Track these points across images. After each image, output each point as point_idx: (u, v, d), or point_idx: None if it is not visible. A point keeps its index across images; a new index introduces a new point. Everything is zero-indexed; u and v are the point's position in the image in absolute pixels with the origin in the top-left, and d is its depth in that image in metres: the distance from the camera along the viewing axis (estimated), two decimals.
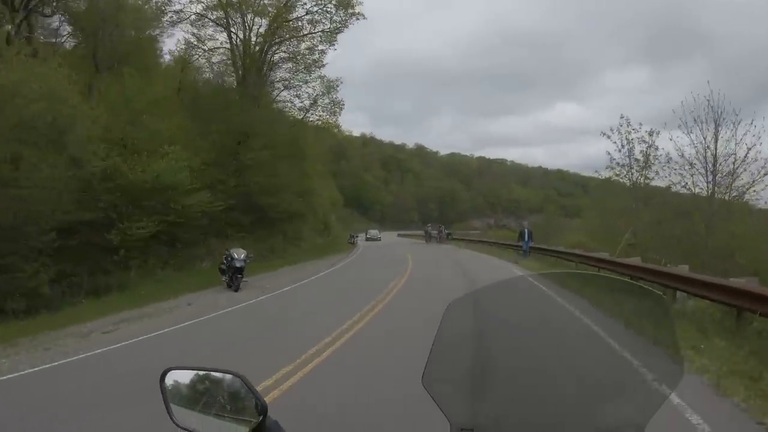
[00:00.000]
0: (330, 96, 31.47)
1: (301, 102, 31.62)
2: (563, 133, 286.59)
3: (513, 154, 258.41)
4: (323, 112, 31.75)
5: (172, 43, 49.59)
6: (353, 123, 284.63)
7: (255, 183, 25.72)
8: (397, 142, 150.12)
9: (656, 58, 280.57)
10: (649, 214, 22.91)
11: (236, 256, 15.71)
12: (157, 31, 27.24)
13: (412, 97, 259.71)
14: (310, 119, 32.44)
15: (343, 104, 31.68)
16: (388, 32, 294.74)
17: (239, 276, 15.58)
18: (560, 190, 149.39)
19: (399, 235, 74.98)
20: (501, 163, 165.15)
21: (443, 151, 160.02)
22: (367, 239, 57.13)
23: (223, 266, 16.33)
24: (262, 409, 1.31)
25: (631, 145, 23.46)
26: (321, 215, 44.86)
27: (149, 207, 17.95)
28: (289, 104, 32.38)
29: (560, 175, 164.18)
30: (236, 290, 15.26)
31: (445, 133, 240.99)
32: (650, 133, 23.10)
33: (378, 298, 12.82)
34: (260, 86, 30.51)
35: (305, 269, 22.10)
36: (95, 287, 16.08)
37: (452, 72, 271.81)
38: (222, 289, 15.91)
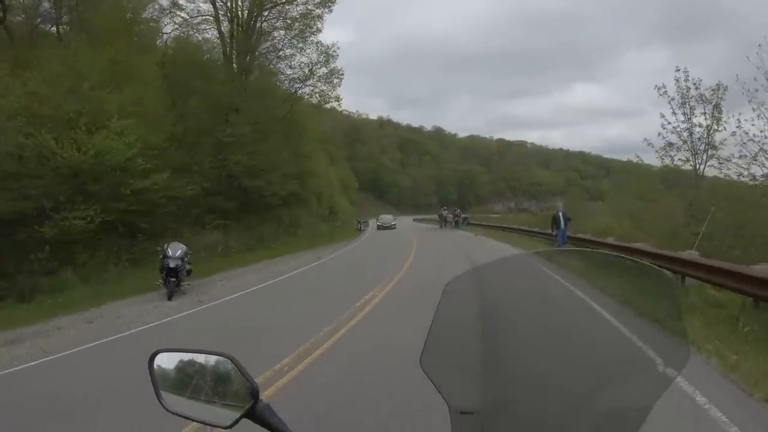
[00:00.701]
0: (328, 65, 28.22)
1: (294, 72, 28.37)
2: (582, 115, 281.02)
3: (532, 137, 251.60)
4: (320, 82, 28.51)
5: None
6: (370, 108, 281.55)
7: (237, 163, 22.65)
8: (415, 125, 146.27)
9: (675, 38, 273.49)
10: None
11: (170, 253, 12.50)
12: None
13: (430, 80, 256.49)
14: (306, 93, 29.27)
15: (343, 73, 28.43)
16: (405, 14, 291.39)
17: (173, 279, 12.32)
18: (582, 172, 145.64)
19: (415, 219, 70.36)
20: (521, 145, 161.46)
21: (461, 134, 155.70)
22: (379, 227, 45.56)
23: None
24: (253, 392, 1.22)
25: (690, 108, 18.63)
26: (326, 199, 41.92)
27: (95, 193, 15.06)
28: (282, 76, 29.14)
29: (582, 158, 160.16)
30: (170, 298, 12.05)
31: (463, 116, 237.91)
32: (717, 89, 17.92)
33: (342, 318, 8.89)
34: (249, 57, 27.42)
35: (284, 264, 18.99)
36: (21, 291, 13.23)
37: (469, 54, 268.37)
38: (160, 294, 12.57)
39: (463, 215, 46.57)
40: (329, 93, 28.86)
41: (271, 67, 29.42)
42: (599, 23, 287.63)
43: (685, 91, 18.68)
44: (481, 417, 1.37)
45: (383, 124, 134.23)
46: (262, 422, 1.22)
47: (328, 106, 30.92)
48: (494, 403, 1.43)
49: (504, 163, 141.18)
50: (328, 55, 27.92)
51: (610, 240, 16.96)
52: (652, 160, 21.43)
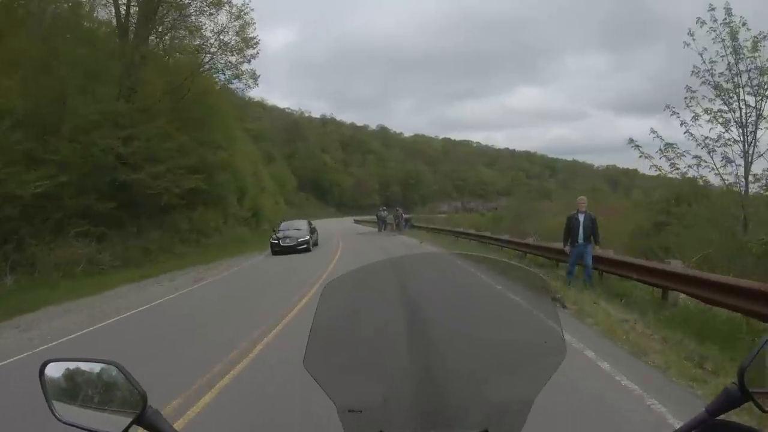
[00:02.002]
0: (241, 34, 22.74)
1: (203, 43, 22.72)
2: (526, 116, 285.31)
3: (477, 138, 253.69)
4: (230, 53, 23.01)
5: None
6: (314, 108, 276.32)
7: (104, 151, 17.04)
8: (359, 124, 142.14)
9: (616, 43, 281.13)
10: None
11: None
12: None
13: (375, 81, 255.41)
14: (216, 68, 23.78)
15: (258, 41, 22.93)
16: (351, 16, 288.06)
17: None
18: (528, 171, 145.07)
19: (356, 221, 65.07)
20: (466, 144, 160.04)
21: (407, 134, 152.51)
22: (276, 251, 22.31)
23: None
24: (141, 398, 1.18)
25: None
26: (252, 200, 36.28)
27: None
28: (179, 42, 23.42)
29: (528, 157, 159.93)
30: None
31: (408, 117, 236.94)
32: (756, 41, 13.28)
33: None
34: (150, 26, 21.80)
35: (143, 291, 13.41)
36: None
37: (416, 55, 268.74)
38: None
39: (406, 216, 39.26)
40: (241, 67, 23.29)
41: (177, 40, 23.87)
42: (544, 28, 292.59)
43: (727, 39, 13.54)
44: (369, 414, 1.38)
45: (326, 122, 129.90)
46: (151, 427, 1.19)
47: (242, 86, 25.26)
48: (384, 399, 1.43)
49: (449, 163, 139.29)
50: (240, 17, 22.38)
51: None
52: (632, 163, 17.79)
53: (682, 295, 7.87)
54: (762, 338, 1.16)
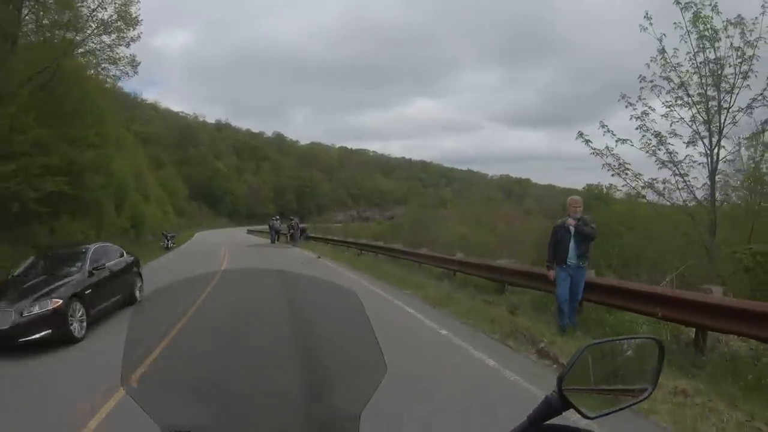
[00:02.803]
0: (121, 12, 19.17)
1: (65, 16, 18.86)
2: (421, 127, 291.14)
3: (373, 147, 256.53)
4: (103, 32, 19.39)
5: None
6: (209, 114, 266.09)
7: None
8: (255, 130, 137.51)
9: (510, 60, 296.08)
10: None
11: None
12: None
13: (273, 89, 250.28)
14: (87, 50, 20.10)
15: (140, 19, 19.45)
16: (250, 22, 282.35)
17: None
18: (424, 181, 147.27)
19: (249, 231, 61.34)
20: (363, 153, 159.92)
21: (303, 142, 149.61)
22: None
23: None
24: None
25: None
26: (133, 208, 32.13)
27: None
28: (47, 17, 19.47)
29: (423, 167, 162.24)
30: None
31: (305, 126, 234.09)
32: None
33: None
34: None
35: None
36: None
37: (314, 64, 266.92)
38: None
39: (301, 226, 36.60)
40: (117, 50, 19.69)
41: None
42: (441, 42, 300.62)
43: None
44: None
45: (221, 127, 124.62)
46: None
47: (118, 73, 21.47)
48: (210, 419, 1.40)
49: (346, 171, 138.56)
50: None
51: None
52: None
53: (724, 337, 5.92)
54: (580, 348, 1.21)
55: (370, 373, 1.44)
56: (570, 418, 1.22)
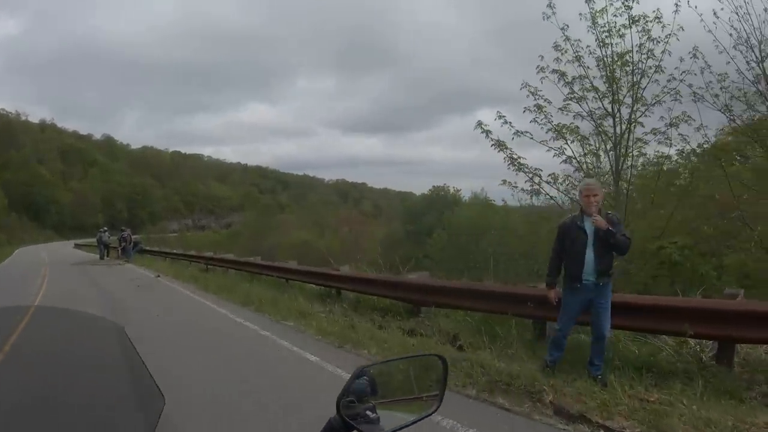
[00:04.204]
0: None
1: None
2: (256, 132, 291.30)
3: (207, 151, 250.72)
4: None
5: None
6: (32, 113, 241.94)
7: None
8: (83, 132, 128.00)
9: (346, 68, 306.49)
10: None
11: None
12: None
13: (103, 88, 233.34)
14: None
15: None
16: (80, 15, 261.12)
17: None
18: (261, 186, 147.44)
19: (76, 245, 52.68)
20: (197, 158, 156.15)
21: (135, 145, 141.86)
22: None
23: None
24: None
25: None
26: None
27: None
28: None
29: (260, 172, 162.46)
30: None
31: (137, 129, 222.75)
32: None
33: None
34: None
35: None
36: None
37: (147, 66, 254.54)
38: None
39: (134, 237, 31.28)
40: None
41: None
42: (276, 49, 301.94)
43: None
44: None
45: (46, 128, 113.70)
46: None
47: None
48: None
49: (180, 177, 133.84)
50: None
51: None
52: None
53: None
54: (355, 369, 1.28)
55: (149, 406, 1.41)
56: None
